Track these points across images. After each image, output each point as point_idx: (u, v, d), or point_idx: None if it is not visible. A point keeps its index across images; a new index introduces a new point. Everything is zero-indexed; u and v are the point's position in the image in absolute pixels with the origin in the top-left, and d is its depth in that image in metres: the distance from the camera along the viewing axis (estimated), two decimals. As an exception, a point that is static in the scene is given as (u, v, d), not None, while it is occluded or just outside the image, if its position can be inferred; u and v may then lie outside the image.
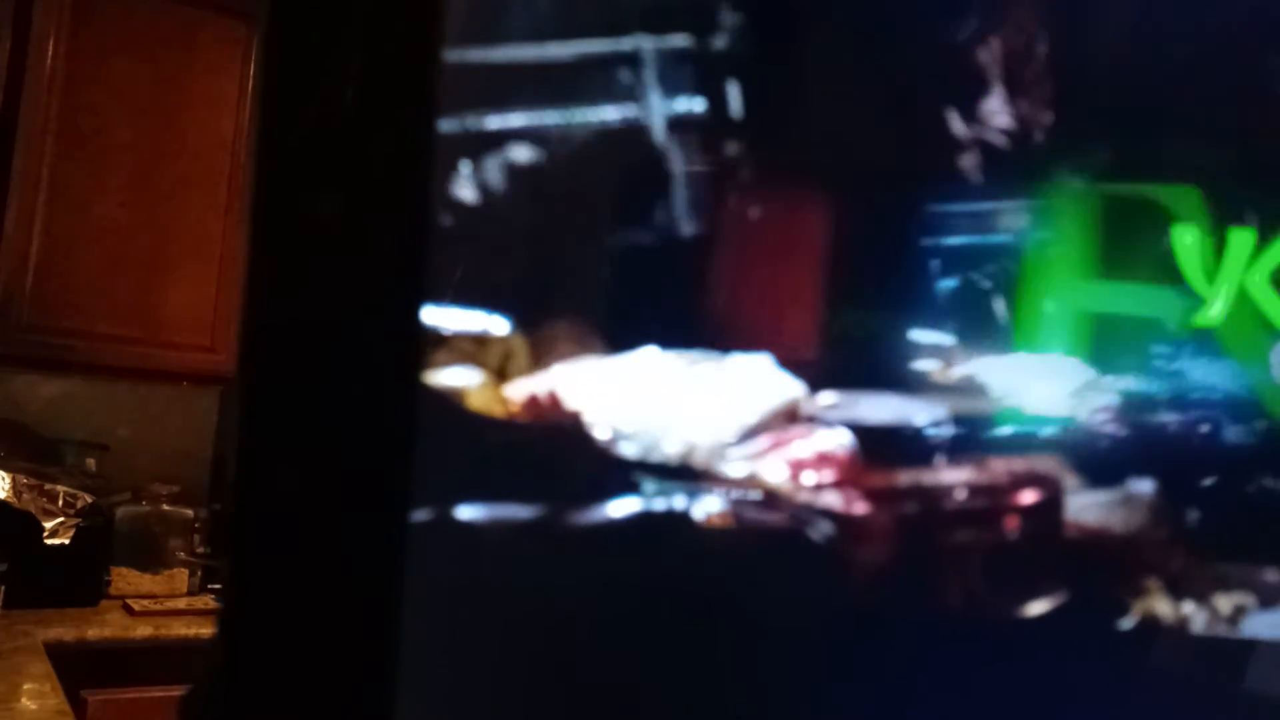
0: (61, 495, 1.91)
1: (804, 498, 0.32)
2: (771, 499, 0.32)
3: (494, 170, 0.30)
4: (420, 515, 0.29)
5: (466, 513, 0.30)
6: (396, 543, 0.28)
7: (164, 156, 2.10)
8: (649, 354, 0.31)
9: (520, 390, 0.30)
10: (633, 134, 0.31)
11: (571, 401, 0.31)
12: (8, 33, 1.96)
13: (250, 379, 0.28)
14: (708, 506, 0.32)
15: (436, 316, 0.29)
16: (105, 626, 1.81)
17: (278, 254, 0.29)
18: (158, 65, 2.10)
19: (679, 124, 0.31)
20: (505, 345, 0.30)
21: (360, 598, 0.28)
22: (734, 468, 0.32)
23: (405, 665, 0.28)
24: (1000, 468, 0.33)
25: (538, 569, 0.31)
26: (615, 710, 0.31)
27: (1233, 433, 0.34)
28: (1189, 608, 0.34)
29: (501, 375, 0.30)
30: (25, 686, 1.49)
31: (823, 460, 0.32)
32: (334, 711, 0.28)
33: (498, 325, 0.30)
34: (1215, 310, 0.34)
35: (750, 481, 0.32)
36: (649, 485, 0.31)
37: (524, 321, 0.30)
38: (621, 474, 0.31)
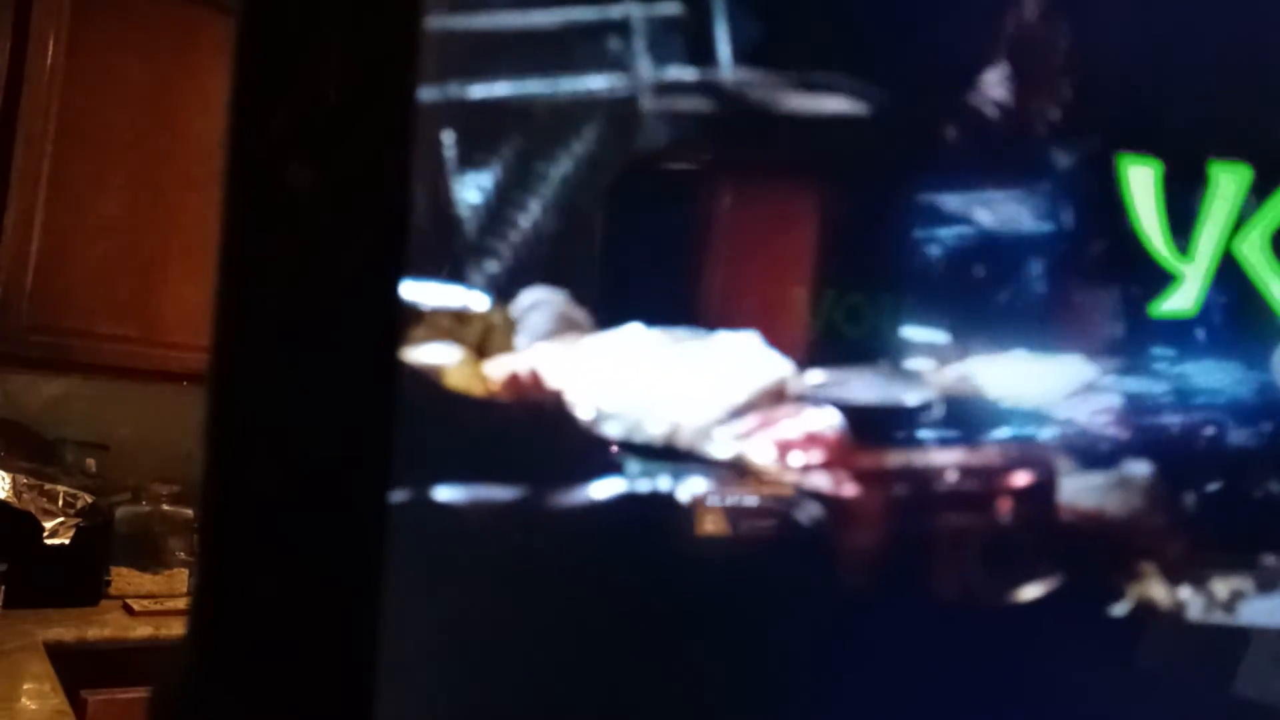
0: (61, 495, 1.91)
1: (791, 479, 0.32)
2: (758, 480, 0.31)
3: (475, 142, 0.29)
4: (398, 497, 0.28)
5: (446, 494, 0.29)
6: (375, 527, 0.27)
7: (164, 156, 2.10)
8: (633, 331, 0.30)
9: (500, 368, 0.30)
10: (620, 105, 0.31)
11: (553, 379, 0.30)
12: (8, 33, 1.96)
13: (223, 360, 0.28)
14: (693, 488, 0.31)
15: (414, 291, 0.28)
16: (105, 626, 1.81)
17: (251, 231, 0.28)
18: (158, 65, 2.10)
19: (668, 95, 0.31)
20: (485, 321, 0.29)
21: (338, 583, 0.27)
22: (720, 448, 0.32)
23: (385, 652, 0.27)
24: (992, 450, 0.33)
25: (520, 552, 0.30)
26: (601, 696, 0.31)
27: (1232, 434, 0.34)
28: (1185, 594, 0.34)
29: (481, 352, 0.30)
30: (25, 686, 1.49)
31: (811, 440, 0.32)
32: (312, 702, 0.27)
33: (477, 300, 0.29)
34: (1189, 291, 0.29)
35: (737, 462, 0.32)
36: (633, 466, 0.31)
37: (504, 297, 0.30)
38: (605, 454, 0.30)
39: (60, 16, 2.00)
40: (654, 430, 0.31)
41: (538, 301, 0.30)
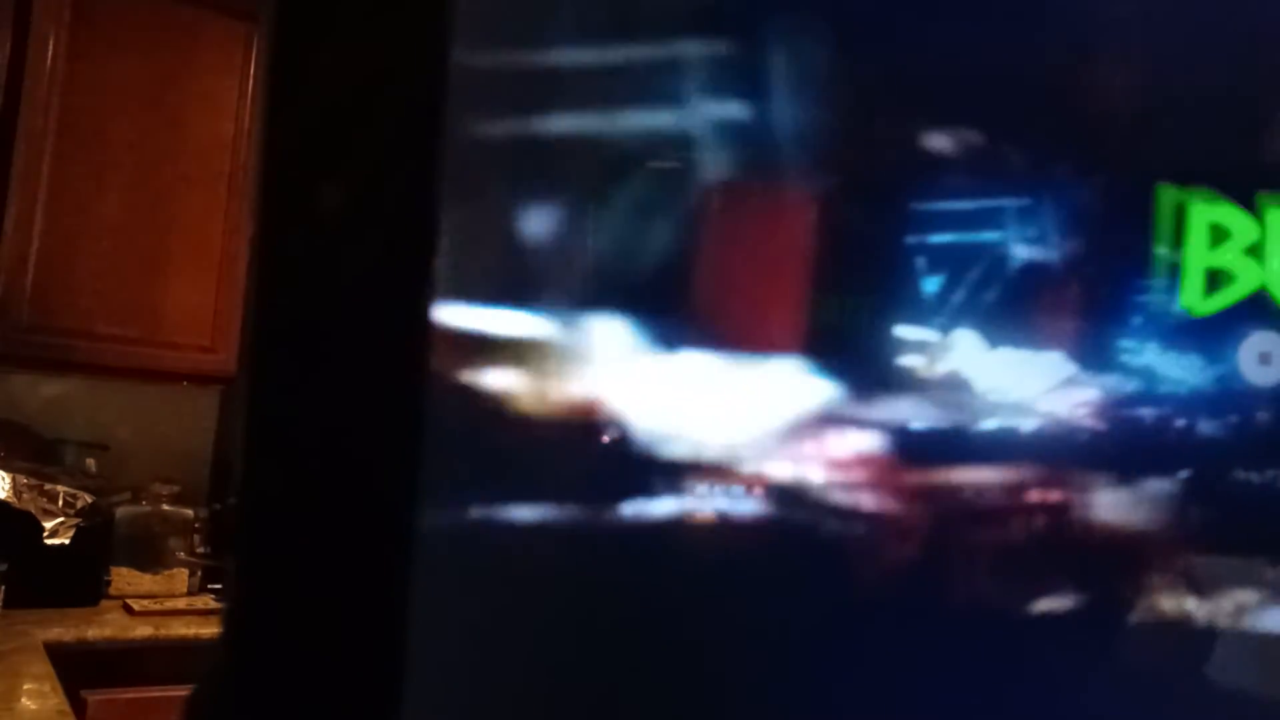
0: (61, 495, 1.91)
1: (837, 498, 0.32)
2: (805, 500, 0.32)
3: (536, 170, 0.30)
4: (439, 516, 0.29)
5: (488, 512, 0.29)
6: (407, 544, 0.28)
7: (164, 156, 2.10)
8: (685, 356, 0.31)
9: (556, 392, 0.30)
10: (665, 139, 0.31)
11: (608, 404, 0.30)
12: (8, 33, 1.96)
13: (257, 375, 0.28)
14: (742, 508, 0.32)
15: (471, 317, 0.29)
16: (105, 626, 1.81)
17: (286, 246, 0.28)
18: (158, 65, 2.10)
19: (713, 128, 0.31)
20: (546, 346, 0.30)
21: (369, 600, 0.28)
22: (769, 468, 0.32)
23: (413, 666, 0.27)
24: (1023, 467, 0.33)
25: (570, 570, 0.31)
26: (634, 713, 0.31)
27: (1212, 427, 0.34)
28: (1196, 604, 0.34)
29: (543, 377, 0.30)
30: (25, 686, 1.49)
31: (855, 462, 0.32)
32: (341, 713, 0.28)
33: (533, 326, 0.30)
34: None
35: (785, 482, 0.32)
36: (685, 487, 0.31)
37: (566, 322, 0.30)
38: (658, 476, 0.31)
39: (60, 16, 2.00)
40: (704, 452, 0.31)
41: (598, 327, 0.30)
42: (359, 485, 0.28)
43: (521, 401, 0.30)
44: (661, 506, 0.31)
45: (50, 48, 1.99)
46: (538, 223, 0.30)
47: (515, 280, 0.30)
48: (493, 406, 0.29)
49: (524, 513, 0.30)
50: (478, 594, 0.29)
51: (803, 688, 0.32)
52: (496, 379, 0.30)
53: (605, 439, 0.31)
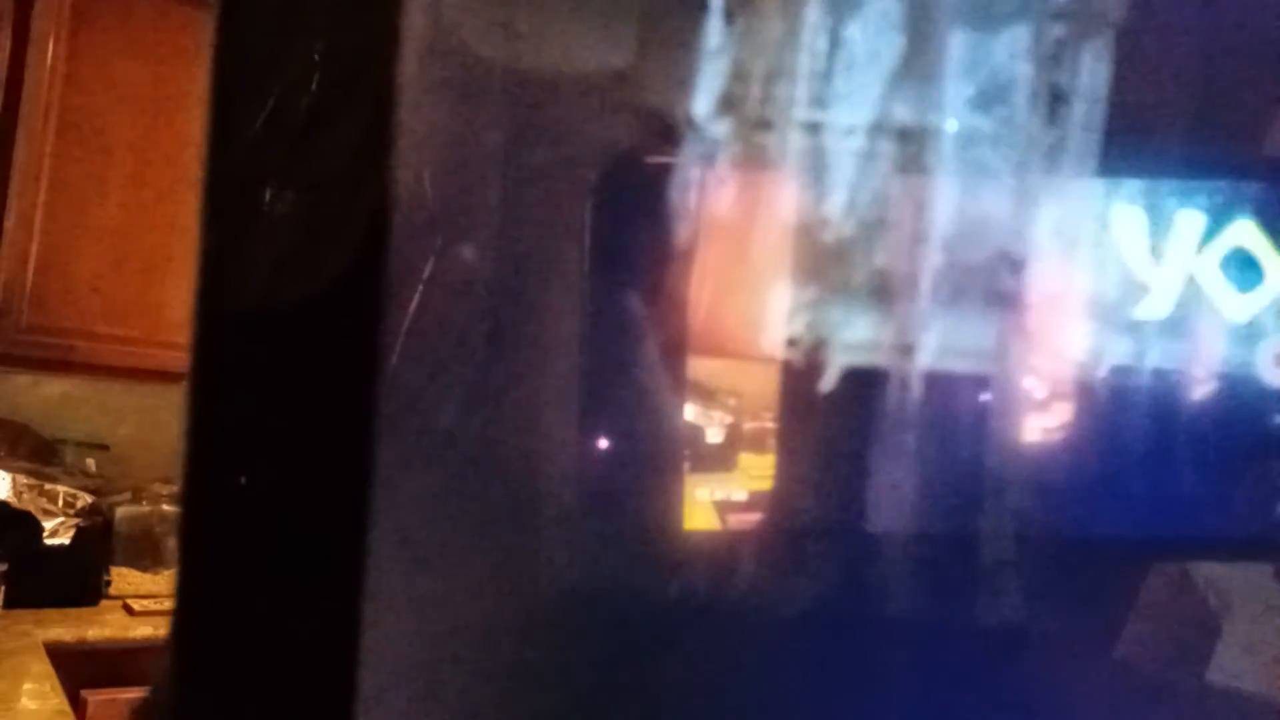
0: (61, 495, 1.91)
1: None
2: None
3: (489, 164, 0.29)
4: (393, 512, 0.28)
5: (442, 507, 0.29)
6: (358, 549, 0.27)
7: (164, 156, 2.10)
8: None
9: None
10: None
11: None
12: (8, 33, 1.96)
13: (202, 375, 0.27)
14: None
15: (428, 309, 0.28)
16: (105, 626, 1.81)
17: (231, 246, 0.28)
18: (158, 65, 2.10)
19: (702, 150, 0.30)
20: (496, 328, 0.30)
21: (319, 606, 0.28)
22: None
23: (366, 666, 0.27)
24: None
25: (526, 569, 0.30)
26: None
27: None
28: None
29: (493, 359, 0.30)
30: (25, 686, 1.49)
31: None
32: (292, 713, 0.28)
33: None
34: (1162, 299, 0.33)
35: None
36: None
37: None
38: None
39: (60, 17, 2.00)
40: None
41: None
42: (305, 485, 0.28)
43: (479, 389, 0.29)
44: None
45: (50, 48, 1.99)
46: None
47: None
48: (448, 398, 0.29)
49: (480, 510, 0.29)
50: (431, 594, 0.29)
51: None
52: (451, 370, 0.29)
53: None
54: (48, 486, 1.90)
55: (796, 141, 0.31)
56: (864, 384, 0.31)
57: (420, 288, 0.28)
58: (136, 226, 2.07)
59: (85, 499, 1.93)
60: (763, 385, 0.33)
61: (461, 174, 0.29)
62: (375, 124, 0.27)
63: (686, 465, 0.33)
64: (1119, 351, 0.33)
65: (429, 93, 0.28)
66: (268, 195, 0.27)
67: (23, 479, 1.87)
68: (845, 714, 0.31)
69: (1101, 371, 0.33)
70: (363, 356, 0.27)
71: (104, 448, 2.17)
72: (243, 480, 0.27)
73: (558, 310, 0.31)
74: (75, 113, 2.01)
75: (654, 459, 0.32)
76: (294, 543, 0.27)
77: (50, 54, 1.99)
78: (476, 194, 0.29)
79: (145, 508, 2.06)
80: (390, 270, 0.27)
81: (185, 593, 0.27)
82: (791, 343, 0.31)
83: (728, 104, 0.30)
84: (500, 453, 0.29)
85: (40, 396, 2.18)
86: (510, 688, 0.29)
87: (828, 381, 0.31)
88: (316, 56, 0.27)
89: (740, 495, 0.33)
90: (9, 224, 1.95)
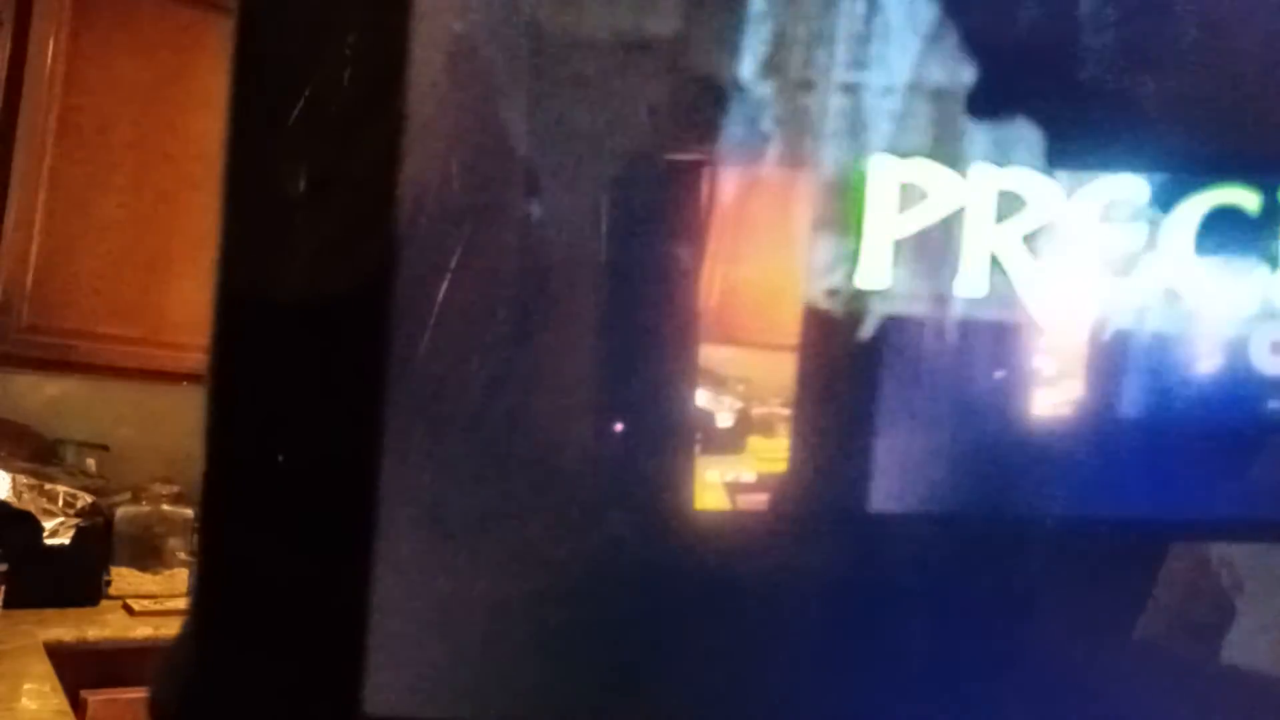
0: (61, 495, 1.91)
1: None
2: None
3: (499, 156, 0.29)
4: (403, 497, 0.28)
5: (452, 492, 0.29)
6: (370, 523, 0.28)
7: (164, 156, 2.10)
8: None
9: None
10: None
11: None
12: (8, 33, 1.96)
13: (218, 360, 0.28)
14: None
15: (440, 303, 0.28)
16: (105, 626, 1.81)
17: (251, 235, 0.28)
18: (158, 65, 2.11)
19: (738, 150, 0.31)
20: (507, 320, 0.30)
21: (336, 570, 0.28)
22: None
23: (375, 628, 0.27)
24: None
25: (533, 550, 0.30)
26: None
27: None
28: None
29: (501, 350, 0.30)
30: (25, 686, 1.49)
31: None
32: (303, 693, 0.28)
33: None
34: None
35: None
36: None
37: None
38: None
39: (60, 16, 2.00)
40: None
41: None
42: (320, 469, 0.28)
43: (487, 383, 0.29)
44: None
45: (50, 48, 1.99)
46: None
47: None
48: (473, 381, 0.29)
49: (491, 493, 0.29)
50: (442, 571, 0.29)
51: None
52: (466, 362, 0.29)
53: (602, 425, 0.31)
54: (48, 486, 1.90)
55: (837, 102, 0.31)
56: (900, 335, 0.31)
57: (448, 276, 0.29)
58: (136, 226, 2.07)
59: (85, 499, 1.93)
60: (771, 372, 0.33)
61: (487, 166, 0.29)
62: (401, 117, 0.27)
63: (697, 448, 0.33)
64: (1131, 325, 0.33)
65: (455, 87, 0.28)
66: (294, 188, 0.27)
67: (23, 479, 1.87)
68: (857, 687, 0.32)
69: (1113, 349, 0.33)
70: (387, 343, 0.27)
71: (104, 448, 2.17)
72: (274, 457, 0.27)
73: (579, 298, 0.31)
74: (75, 113, 2.01)
75: (667, 441, 0.33)
76: (313, 511, 0.27)
77: (50, 54, 1.99)
78: (501, 185, 0.29)
79: (145, 508, 2.05)
80: (417, 261, 0.28)
81: (209, 552, 0.27)
82: (831, 293, 0.31)
83: (771, 67, 0.30)
84: (521, 433, 0.29)
85: (40, 396, 2.17)
86: (522, 653, 0.30)
87: (866, 329, 0.31)
88: (347, 51, 0.27)
89: (749, 477, 0.33)
90: (9, 224, 1.95)
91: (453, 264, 0.29)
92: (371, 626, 0.27)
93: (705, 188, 0.31)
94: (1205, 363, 0.34)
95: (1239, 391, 0.34)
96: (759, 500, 0.33)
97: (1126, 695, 0.33)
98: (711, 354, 0.33)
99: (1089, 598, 0.33)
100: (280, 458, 0.27)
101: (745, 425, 0.34)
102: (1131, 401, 0.34)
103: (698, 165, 0.31)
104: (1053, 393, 0.33)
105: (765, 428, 0.34)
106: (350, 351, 0.28)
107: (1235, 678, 0.34)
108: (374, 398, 0.27)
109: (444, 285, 0.29)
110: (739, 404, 0.34)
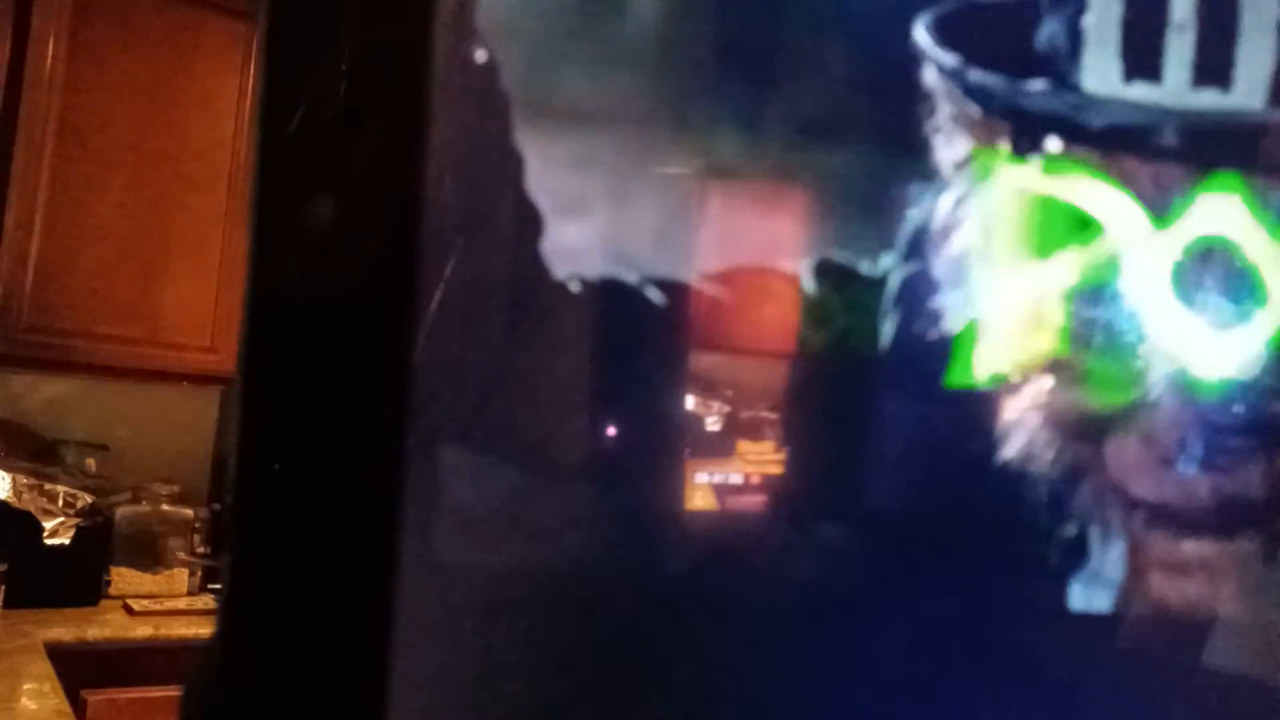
0: (61, 495, 1.91)
1: None
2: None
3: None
4: (426, 512, 0.29)
5: (475, 509, 0.30)
6: (394, 541, 0.28)
7: (164, 156, 2.10)
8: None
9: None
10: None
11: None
12: (8, 33, 1.96)
13: (251, 375, 0.28)
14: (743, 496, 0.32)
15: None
16: (105, 626, 1.81)
17: (277, 249, 0.29)
18: (158, 65, 2.11)
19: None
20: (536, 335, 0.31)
21: (356, 593, 0.28)
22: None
23: (399, 661, 0.28)
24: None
25: (553, 568, 0.31)
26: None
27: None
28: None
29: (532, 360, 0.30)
30: (25, 686, 1.49)
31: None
32: (329, 703, 0.28)
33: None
34: None
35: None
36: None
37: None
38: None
39: (60, 16, 2.01)
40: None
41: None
42: (347, 482, 0.28)
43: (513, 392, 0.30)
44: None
45: (50, 48, 1.99)
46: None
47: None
48: (470, 386, 0.29)
49: (513, 506, 0.30)
50: (465, 592, 0.30)
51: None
52: (472, 359, 0.30)
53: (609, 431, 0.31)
54: (48, 486, 1.90)
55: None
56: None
57: (442, 284, 0.29)
58: (136, 227, 2.07)
59: (85, 499, 1.93)
60: (758, 378, 0.34)
61: (484, 176, 0.29)
62: (406, 130, 0.28)
63: (687, 451, 0.33)
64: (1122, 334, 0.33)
65: (457, 102, 0.28)
66: (315, 197, 0.27)
67: (23, 479, 1.87)
68: (843, 685, 0.32)
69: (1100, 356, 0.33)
70: (395, 345, 0.28)
71: (104, 448, 2.17)
72: (284, 461, 0.27)
73: (572, 305, 0.31)
74: (75, 113, 2.01)
75: (658, 445, 0.33)
76: (335, 533, 0.28)
77: (50, 54, 1.99)
78: (497, 195, 0.29)
79: (145, 508, 2.06)
80: (420, 266, 0.28)
81: (237, 545, 0.28)
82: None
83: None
84: (517, 436, 0.30)
85: (39, 396, 2.18)
86: (522, 648, 0.30)
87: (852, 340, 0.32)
88: (378, 66, 0.28)
89: (737, 479, 0.33)
90: (9, 224, 1.95)
91: (447, 274, 0.29)
92: (395, 645, 0.28)
93: (694, 202, 0.32)
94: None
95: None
96: (749, 501, 0.34)
97: (1111, 699, 0.33)
98: (700, 361, 0.33)
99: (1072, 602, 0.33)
100: (302, 459, 0.28)
101: (733, 429, 0.34)
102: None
103: (687, 179, 0.31)
104: (1021, 400, 0.33)
105: (752, 431, 0.34)
106: (375, 358, 0.29)
107: (1214, 679, 0.35)
108: (389, 400, 0.28)
109: (438, 293, 0.29)
110: (727, 409, 0.34)
